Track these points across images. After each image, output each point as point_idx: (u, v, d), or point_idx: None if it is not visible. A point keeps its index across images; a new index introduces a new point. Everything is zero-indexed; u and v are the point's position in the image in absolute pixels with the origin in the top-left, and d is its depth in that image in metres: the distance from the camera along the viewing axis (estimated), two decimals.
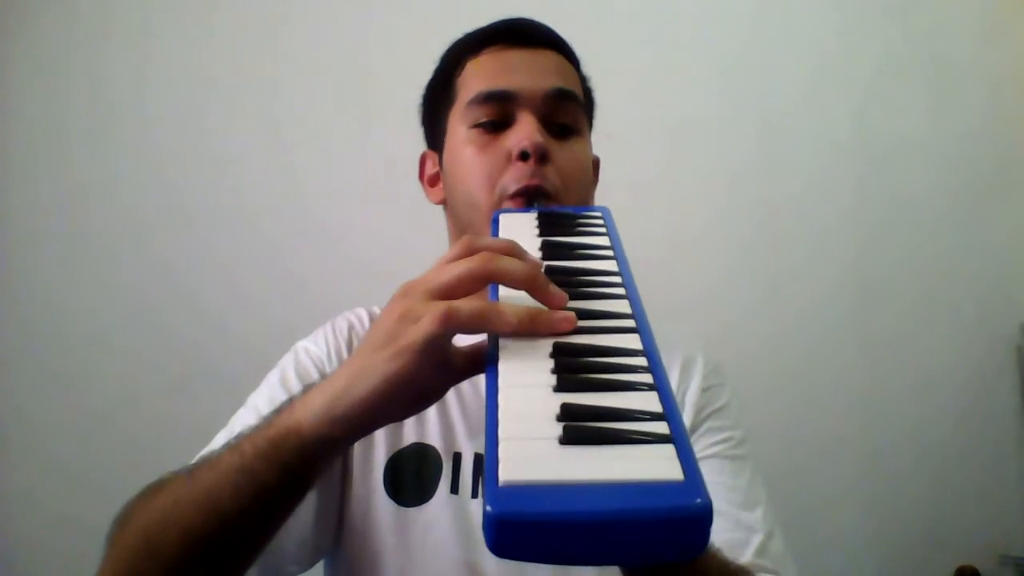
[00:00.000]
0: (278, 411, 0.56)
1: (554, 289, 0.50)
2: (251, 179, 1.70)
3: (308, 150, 1.72)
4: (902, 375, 1.75)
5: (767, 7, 1.86)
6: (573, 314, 0.48)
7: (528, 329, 0.48)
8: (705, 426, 0.80)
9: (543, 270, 0.53)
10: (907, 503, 1.70)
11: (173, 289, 1.66)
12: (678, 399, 0.81)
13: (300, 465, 0.53)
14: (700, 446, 0.78)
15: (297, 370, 0.82)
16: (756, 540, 0.72)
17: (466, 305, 0.47)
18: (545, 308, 0.49)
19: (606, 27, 1.78)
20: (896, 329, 1.77)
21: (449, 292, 0.49)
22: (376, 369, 0.49)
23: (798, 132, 1.82)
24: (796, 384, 1.72)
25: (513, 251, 0.51)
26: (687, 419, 0.80)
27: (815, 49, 1.84)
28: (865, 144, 1.82)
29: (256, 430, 0.55)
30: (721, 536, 0.68)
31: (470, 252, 0.51)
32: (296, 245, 1.68)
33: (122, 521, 0.60)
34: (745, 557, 0.70)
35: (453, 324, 0.47)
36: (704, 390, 0.82)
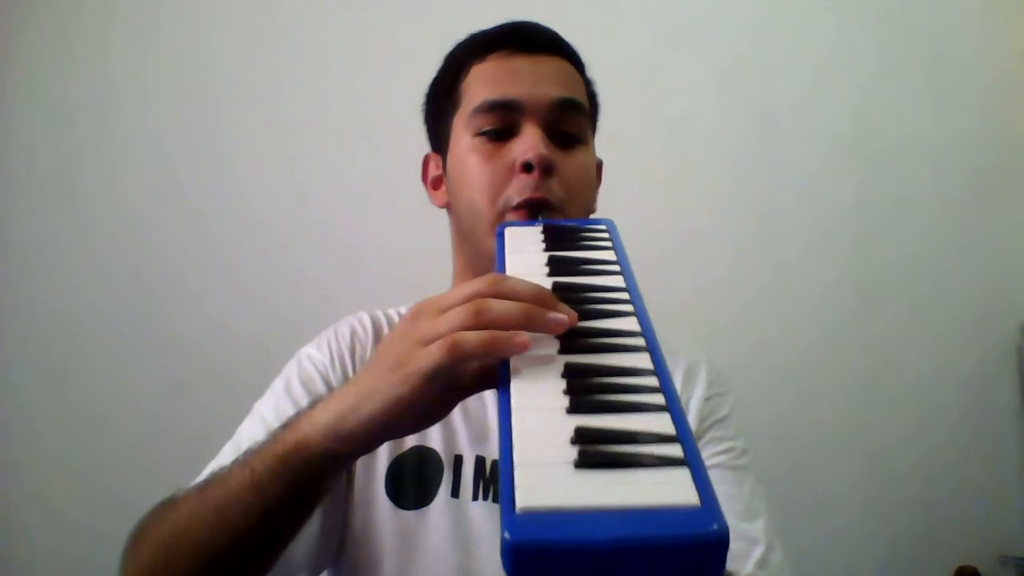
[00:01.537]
0: (286, 426, 0.56)
1: (563, 307, 0.50)
2: (254, 178, 1.70)
3: (311, 148, 1.72)
4: (902, 375, 1.75)
5: (767, 7, 1.86)
6: (565, 317, 0.49)
7: (523, 326, 0.48)
8: (708, 436, 0.80)
9: (551, 288, 0.53)
10: (907, 503, 1.70)
11: (174, 289, 1.66)
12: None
13: (308, 480, 0.55)
14: (702, 456, 0.78)
15: (301, 378, 0.82)
16: (757, 552, 0.72)
17: (473, 335, 0.48)
18: (541, 308, 0.49)
19: (607, 27, 1.78)
20: (896, 329, 1.78)
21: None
22: (384, 392, 0.50)
23: (798, 131, 1.82)
24: (795, 383, 1.72)
25: (543, 297, 0.51)
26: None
27: (815, 49, 1.84)
28: (865, 143, 1.83)
29: (264, 446, 0.56)
30: None
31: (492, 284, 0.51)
32: (299, 244, 1.68)
33: (137, 537, 0.61)
34: (746, 569, 0.70)
35: (461, 354, 0.48)
36: (707, 399, 0.83)
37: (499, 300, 0.49)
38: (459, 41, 0.88)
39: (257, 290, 1.65)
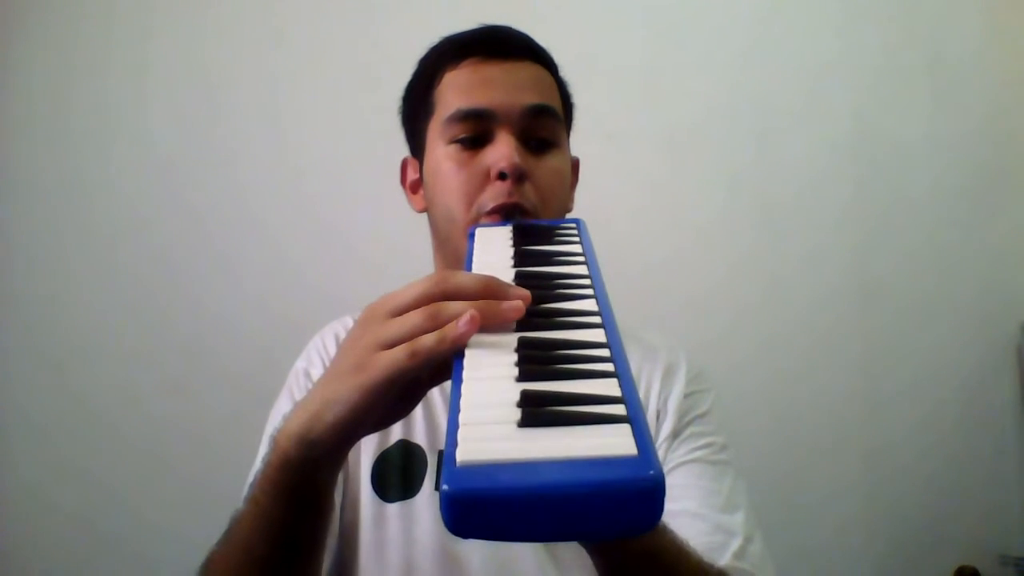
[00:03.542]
0: (270, 448, 0.58)
1: (515, 289, 0.51)
2: (253, 175, 1.71)
3: (310, 145, 1.72)
4: (902, 375, 1.75)
5: (767, 7, 1.86)
6: (520, 303, 0.49)
7: (483, 319, 0.48)
8: (687, 431, 0.81)
9: (514, 277, 0.54)
10: (907, 503, 1.70)
11: (174, 287, 1.66)
12: (660, 405, 0.83)
13: (303, 490, 0.56)
14: (682, 451, 0.80)
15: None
16: (735, 543, 0.73)
17: (429, 337, 0.48)
18: (494, 301, 0.50)
19: (607, 28, 1.78)
20: (896, 329, 1.77)
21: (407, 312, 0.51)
22: (343, 398, 0.50)
23: (798, 132, 1.81)
24: (796, 384, 1.72)
25: (490, 285, 0.51)
26: (669, 424, 0.81)
27: (815, 49, 1.84)
28: (865, 144, 1.82)
29: (259, 474, 0.58)
30: (700, 539, 0.69)
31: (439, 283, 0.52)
32: (298, 243, 1.68)
33: None
34: (723, 560, 0.71)
35: (422, 359, 0.48)
36: (686, 396, 0.84)
37: (453, 302, 0.49)
38: (432, 45, 0.89)
39: (257, 288, 1.66)
